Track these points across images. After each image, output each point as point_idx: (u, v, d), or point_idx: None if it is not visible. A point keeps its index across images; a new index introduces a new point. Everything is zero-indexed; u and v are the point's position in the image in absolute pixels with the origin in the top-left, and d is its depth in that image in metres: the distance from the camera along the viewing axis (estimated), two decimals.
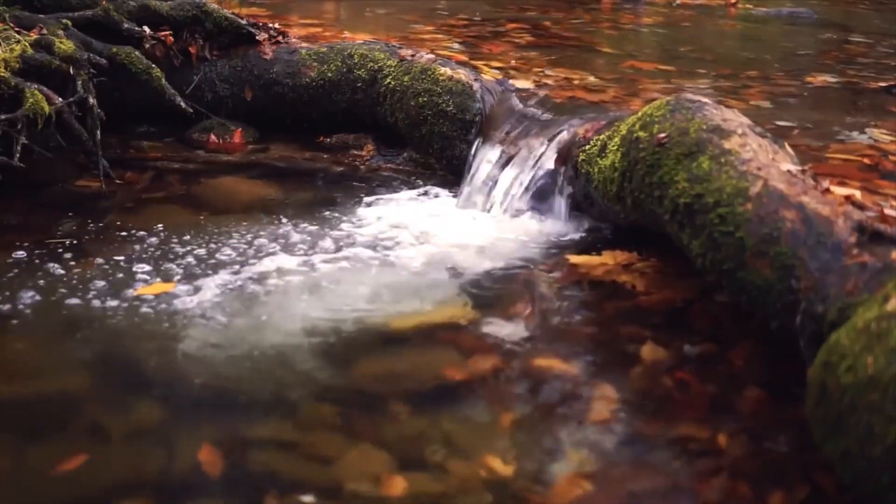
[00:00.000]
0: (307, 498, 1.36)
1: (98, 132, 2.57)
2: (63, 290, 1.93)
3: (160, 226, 2.28)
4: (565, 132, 2.41)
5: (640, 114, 2.06)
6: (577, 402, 1.62)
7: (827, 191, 1.65)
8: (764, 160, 1.76)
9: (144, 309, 1.87)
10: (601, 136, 2.23)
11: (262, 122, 3.02)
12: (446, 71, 2.76)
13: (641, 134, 1.98)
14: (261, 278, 2.02)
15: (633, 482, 1.41)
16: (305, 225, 2.33)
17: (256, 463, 1.44)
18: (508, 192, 2.41)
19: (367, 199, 2.53)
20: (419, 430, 1.52)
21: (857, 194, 1.65)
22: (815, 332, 1.45)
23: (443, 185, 2.65)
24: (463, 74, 2.76)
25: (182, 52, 2.95)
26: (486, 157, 2.52)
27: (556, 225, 2.35)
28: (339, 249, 2.19)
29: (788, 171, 1.72)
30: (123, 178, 2.62)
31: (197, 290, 1.95)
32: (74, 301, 1.89)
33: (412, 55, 2.89)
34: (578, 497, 1.37)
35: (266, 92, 2.99)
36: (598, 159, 2.18)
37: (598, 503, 1.38)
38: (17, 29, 2.61)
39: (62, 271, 2.02)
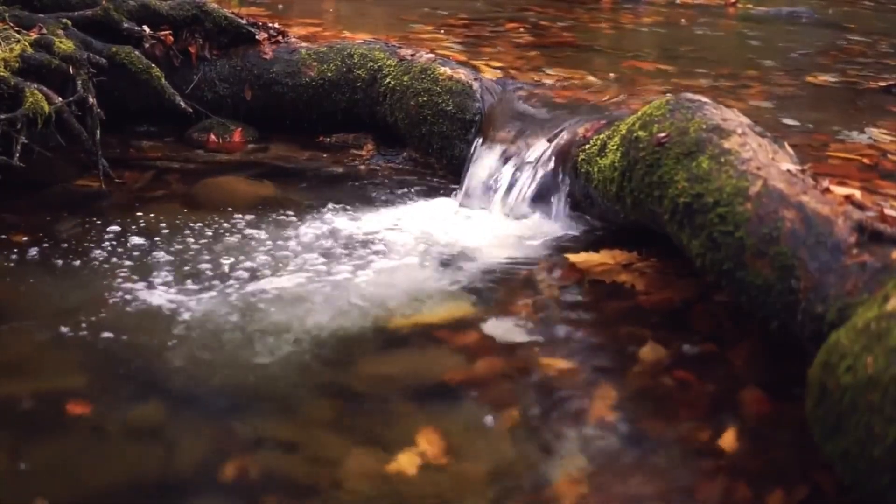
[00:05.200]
0: (307, 498, 1.36)
1: (98, 132, 2.57)
2: (63, 290, 1.93)
3: (160, 225, 2.28)
4: (565, 132, 2.41)
5: (639, 113, 2.06)
6: (576, 401, 1.62)
7: (827, 190, 1.65)
8: (763, 160, 1.76)
9: (144, 308, 1.87)
10: (601, 136, 2.23)
11: (261, 122, 3.02)
12: (446, 70, 2.76)
13: (641, 133, 1.98)
14: (260, 278, 2.02)
15: (632, 482, 1.41)
16: (305, 224, 2.33)
17: (256, 463, 1.44)
18: (508, 191, 2.41)
19: (366, 199, 2.53)
20: (419, 429, 1.52)
21: (857, 194, 1.65)
22: (815, 332, 1.45)
23: (442, 184, 2.65)
24: (463, 74, 2.76)
25: (182, 51, 2.95)
26: (485, 157, 2.52)
27: (556, 224, 2.34)
28: (338, 249, 2.19)
29: (788, 171, 1.72)
30: (123, 177, 2.62)
31: (195, 289, 1.95)
32: (75, 301, 1.89)
33: (412, 55, 2.89)
34: (578, 497, 1.37)
35: (266, 91, 2.99)
36: (597, 159, 2.18)
37: (598, 503, 1.37)
38: (16, 28, 2.61)
39: (62, 271, 2.02)
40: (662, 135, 1.92)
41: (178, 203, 2.48)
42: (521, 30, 4.31)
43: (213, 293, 1.94)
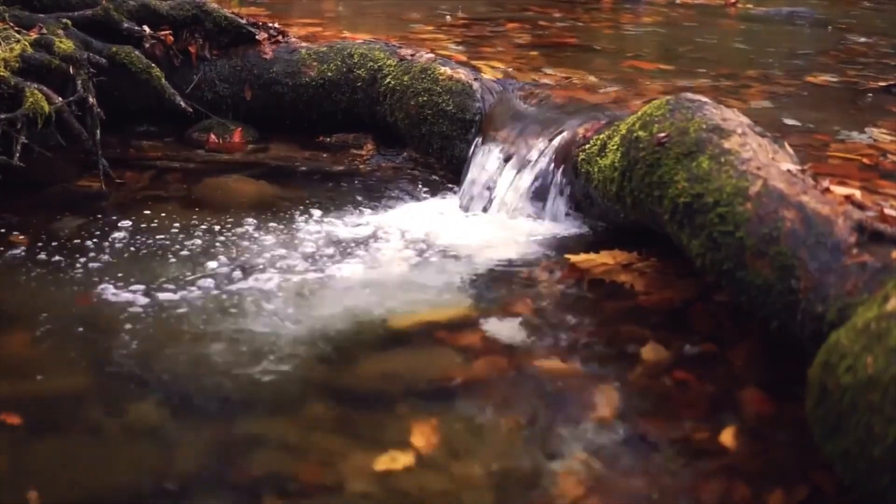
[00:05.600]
0: (307, 498, 1.36)
1: (98, 132, 2.57)
2: (62, 290, 1.93)
3: (160, 225, 2.28)
4: (565, 132, 2.41)
5: (639, 113, 2.06)
6: (576, 401, 1.62)
7: (827, 190, 1.64)
8: (763, 160, 1.76)
9: (144, 308, 1.87)
10: (601, 136, 2.23)
11: (261, 122, 3.02)
12: (446, 70, 2.76)
13: (641, 133, 1.98)
14: (260, 277, 2.02)
15: (632, 482, 1.41)
16: (305, 225, 2.33)
17: (256, 463, 1.44)
18: (508, 191, 2.41)
19: (366, 199, 2.53)
20: (419, 429, 1.52)
21: (857, 194, 1.65)
22: (815, 332, 1.45)
23: (442, 184, 2.65)
24: (463, 74, 2.76)
25: (182, 51, 2.95)
26: (485, 157, 2.52)
27: (556, 224, 2.34)
28: (338, 249, 2.19)
29: (788, 171, 1.72)
30: (123, 177, 2.62)
31: (196, 289, 1.95)
32: (74, 300, 1.89)
33: (412, 55, 2.89)
34: (578, 497, 1.37)
35: (266, 91, 2.99)
36: (597, 159, 2.18)
37: (597, 503, 1.37)
38: (16, 28, 2.61)
39: (62, 271, 2.02)
40: (662, 135, 1.92)
41: (179, 203, 2.48)
42: (521, 30, 4.31)
43: (214, 292, 1.94)
